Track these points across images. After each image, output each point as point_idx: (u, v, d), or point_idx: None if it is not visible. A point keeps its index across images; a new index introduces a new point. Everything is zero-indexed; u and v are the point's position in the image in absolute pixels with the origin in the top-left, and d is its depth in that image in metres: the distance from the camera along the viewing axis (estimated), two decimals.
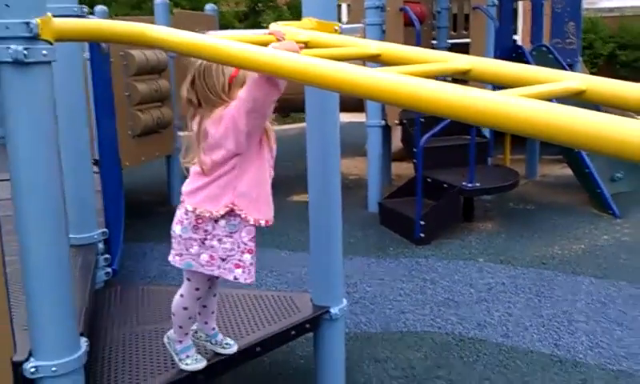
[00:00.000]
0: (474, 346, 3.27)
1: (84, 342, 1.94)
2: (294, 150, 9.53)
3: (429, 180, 5.15)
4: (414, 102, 1.30)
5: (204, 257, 2.12)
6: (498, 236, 5.04)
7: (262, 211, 2.14)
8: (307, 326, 2.66)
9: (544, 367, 3.02)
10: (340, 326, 2.79)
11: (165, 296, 2.93)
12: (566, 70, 6.56)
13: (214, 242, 2.11)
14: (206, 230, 2.11)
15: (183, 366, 2.24)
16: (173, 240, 2.17)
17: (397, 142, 7.31)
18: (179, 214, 2.16)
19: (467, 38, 9.47)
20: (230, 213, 2.09)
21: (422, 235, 4.79)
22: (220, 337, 2.39)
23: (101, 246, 3.08)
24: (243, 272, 2.16)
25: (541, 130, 1.16)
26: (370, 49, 2.04)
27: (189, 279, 2.23)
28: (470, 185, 5.04)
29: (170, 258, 2.19)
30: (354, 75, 1.42)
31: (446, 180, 5.14)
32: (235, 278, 2.16)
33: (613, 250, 4.64)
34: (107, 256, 3.13)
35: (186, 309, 2.25)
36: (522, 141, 7.26)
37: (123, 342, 2.44)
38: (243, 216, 2.09)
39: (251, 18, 14.34)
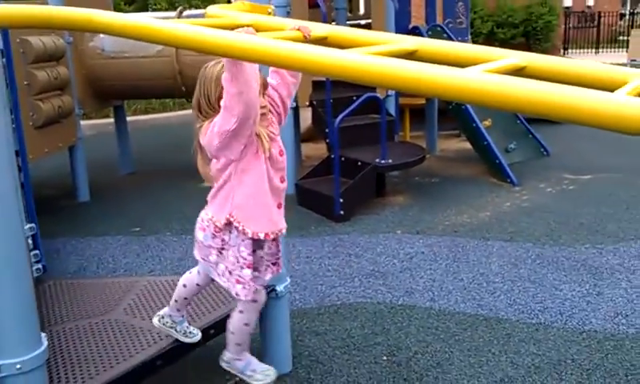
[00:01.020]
0: (405, 311, 3.46)
1: (44, 338, 1.89)
2: None
3: (343, 159, 5.30)
4: (396, 82, 1.37)
5: (221, 267, 2.11)
6: (410, 208, 5.30)
7: (261, 224, 2.07)
8: None
9: (471, 325, 3.26)
10: (285, 302, 2.87)
11: (99, 289, 2.88)
12: None
13: (228, 253, 2.09)
14: (223, 239, 2.08)
15: (255, 383, 2.27)
16: (195, 242, 2.20)
17: (304, 123, 7.44)
18: (203, 218, 2.14)
19: (362, 19, 9.77)
20: (230, 224, 2.06)
21: (342, 212, 4.94)
22: (185, 324, 2.40)
23: (30, 242, 2.95)
24: (243, 288, 2.11)
25: (506, 101, 1.29)
26: (315, 32, 2.10)
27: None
28: (383, 161, 5.25)
29: (195, 254, 2.22)
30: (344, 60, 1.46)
31: (359, 158, 5.32)
32: (237, 295, 2.13)
33: (515, 215, 5.03)
34: (36, 252, 3.00)
35: (247, 325, 2.24)
36: (418, 118, 7.63)
37: (72, 337, 2.38)
38: (240, 228, 2.04)
39: (140, 1, 13.85)
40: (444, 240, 4.52)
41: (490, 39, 18.60)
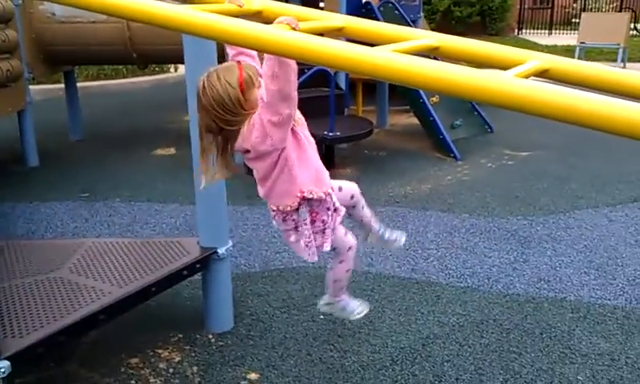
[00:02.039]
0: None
1: None
2: (151, 102, 9.39)
3: None
4: (319, 58, 1.51)
5: (301, 243, 2.21)
6: (356, 180, 5.38)
7: (325, 183, 2.19)
8: (197, 266, 2.86)
9: (404, 288, 3.48)
10: (226, 265, 3.02)
11: (45, 249, 2.97)
12: (410, 25, 7.13)
13: (304, 228, 2.18)
14: (294, 219, 2.18)
15: (356, 316, 2.56)
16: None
17: None
18: (270, 211, 2.25)
19: None
20: (302, 201, 2.13)
21: None
22: (388, 231, 2.69)
23: None
24: (328, 243, 2.25)
25: (415, 79, 1.45)
26: (252, 5, 2.21)
27: (334, 248, 2.33)
28: (331, 134, 5.40)
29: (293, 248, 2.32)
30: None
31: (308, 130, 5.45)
32: (334, 247, 2.31)
33: (455, 188, 5.27)
34: None
35: (348, 270, 2.42)
36: (372, 93, 7.80)
37: (19, 293, 2.47)
38: (316, 196, 2.14)
39: None
40: (386, 210, 4.72)
41: (446, 17, 18.89)
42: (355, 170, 5.85)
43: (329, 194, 2.20)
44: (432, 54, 1.84)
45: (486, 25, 19.85)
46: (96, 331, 2.80)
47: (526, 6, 22.79)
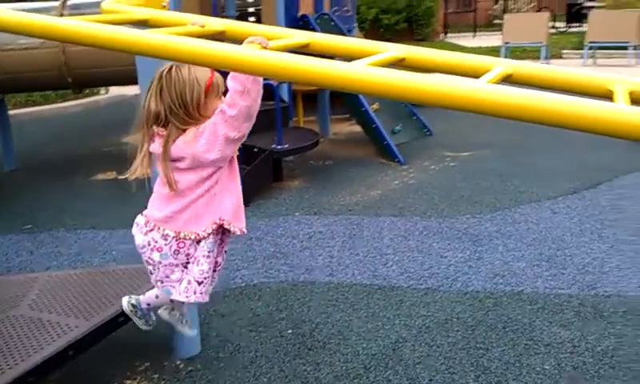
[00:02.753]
0: (307, 287, 3.66)
1: None
2: (85, 127, 9.12)
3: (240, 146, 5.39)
4: (300, 75, 1.51)
5: (184, 283, 2.01)
6: (306, 191, 5.51)
7: (242, 220, 2.05)
8: None
9: (368, 295, 3.52)
10: None
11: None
12: (345, 35, 7.23)
13: (194, 266, 2.00)
14: (187, 254, 2.00)
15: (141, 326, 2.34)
16: (150, 266, 2.06)
17: None
18: (156, 239, 1.99)
19: (252, 7, 9.82)
20: (217, 229, 1.99)
21: None
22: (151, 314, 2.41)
23: None
24: (211, 286, 2.11)
25: (388, 92, 1.48)
26: (213, 26, 2.21)
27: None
28: (279, 147, 5.41)
29: (152, 281, 2.12)
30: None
31: (255, 144, 5.44)
32: (207, 297, 2.09)
33: (403, 192, 5.37)
34: None
35: (157, 296, 2.23)
36: (312, 103, 7.86)
37: None
38: (232, 229, 1.98)
39: None
40: (340, 219, 4.77)
41: (375, 25, 19.24)
42: (303, 181, 5.87)
43: (244, 233, 2.04)
44: (399, 65, 1.88)
45: (413, 31, 20.34)
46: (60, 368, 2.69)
47: (450, 11, 23.54)
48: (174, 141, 1.92)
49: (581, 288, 3.51)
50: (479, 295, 3.48)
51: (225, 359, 2.97)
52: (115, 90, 11.62)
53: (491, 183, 5.52)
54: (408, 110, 7.22)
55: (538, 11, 19.65)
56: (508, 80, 1.77)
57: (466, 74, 1.77)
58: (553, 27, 18.27)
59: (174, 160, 1.94)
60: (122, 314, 2.54)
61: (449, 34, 22.16)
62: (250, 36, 1.98)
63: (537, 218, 4.63)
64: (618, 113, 1.26)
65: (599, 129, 1.29)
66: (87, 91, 11.19)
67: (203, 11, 5.72)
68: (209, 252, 2.00)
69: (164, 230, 1.98)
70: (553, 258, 3.93)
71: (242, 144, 5.45)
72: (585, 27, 14.76)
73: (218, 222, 1.96)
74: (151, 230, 2.00)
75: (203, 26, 1.98)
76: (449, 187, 5.47)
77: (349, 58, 1.83)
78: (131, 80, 6.79)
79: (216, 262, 2.09)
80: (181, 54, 1.61)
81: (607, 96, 1.59)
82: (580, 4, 21.79)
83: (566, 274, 3.70)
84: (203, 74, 1.95)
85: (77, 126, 9.16)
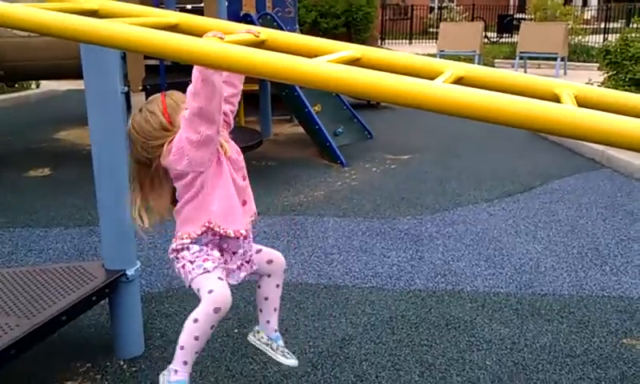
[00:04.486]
0: (252, 286, 3.57)
1: None
2: (16, 122, 8.75)
3: None
4: (262, 70, 1.50)
5: (178, 267, 2.18)
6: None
7: (236, 223, 2.11)
8: (106, 290, 2.72)
9: (313, 294, 3.53)
10: (136, 286, 2.90)
11: None
12: None
13: (184, 252, 2.14)
14: (187, 248, 2.14)
15: None
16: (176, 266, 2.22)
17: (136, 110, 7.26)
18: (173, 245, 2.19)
19: (191, 3, 9.69)
20: (207, 231, 2.08)
21: None
22: (282, 342, 2.42)
23: None
24: (226, 277, 2.21)
25: (349, 88, 1.50)
26: (169, 18, 2.17)
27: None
28: None
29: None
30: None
31: None
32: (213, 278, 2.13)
33: (346, 194, 5.43)
34: None
35: (197, 338, 2.09)
36: (253, 104, 7.82)
37: None
38: (222, 232, 2.08)
39: None
40: (284, 219, 4.76)
41: (314, 28, 19.34)
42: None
43: (242, 236, 2.13)
44: (355, 64, 1.91)
45: (352, 35, 20.58)
46: None
47: (387, 18, 23.97)
48: (160, 164, 2.06)
49: (518, 287, 3.65)
50: (422, 294, 3.56)
51: (169, 358, 2.86)
52: (46, 85, 11.21)
53: (430, 186, 5.65)
54: (349, 112, 7.30)
55: (472, 21, 20.27)
56: (460, 82, 1.83)
57: (419, 75, 1.81)
58: (485, 37, 18.91)
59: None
60: (65, 312, 2.46)
61: (386, 41, 22.57)
62: (203, 30, 1.97)
63: (474, 220, 4.78)
64: (570, 113, 1.33)
65: (553, 128, 1.35)
66: (17, 86, 10.76)
67: (144, 4, 5.60)
68: (199, 250, 2.11)
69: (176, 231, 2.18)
70: (491, 257, 4.07)
71: None
72: (515, 38, 15.33)
73: (207, 224, 2.07)
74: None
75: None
76: (390, 189, 5.56)
77: (305, 56, 1.84)
78: (66, 74, 6.57)
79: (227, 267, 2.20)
80: (138, 44, 1.58)
81: (553, 99, 1.67)
82: (511, 16, 22.63)
83: (504, 273, 3.83)
84: (153, 104, 2.07)
85: (7, 122, 8.77)
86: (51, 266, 2.90)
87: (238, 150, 2.22)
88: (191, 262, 2.12)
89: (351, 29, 20.65)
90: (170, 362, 2.82)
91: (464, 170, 6.17)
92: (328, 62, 1.58)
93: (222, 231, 2.08)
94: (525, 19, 17.25)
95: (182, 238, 2.13)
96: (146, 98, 6.18)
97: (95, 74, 2.66)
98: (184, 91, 5.52)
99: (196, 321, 2.06)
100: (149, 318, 3.26)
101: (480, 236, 4.45)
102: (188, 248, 2.13)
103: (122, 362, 2.87)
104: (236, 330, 3.15)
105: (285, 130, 8.14)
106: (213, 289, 2.05)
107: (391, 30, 23.36)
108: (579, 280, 3.73)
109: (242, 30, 1.97)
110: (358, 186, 5.66)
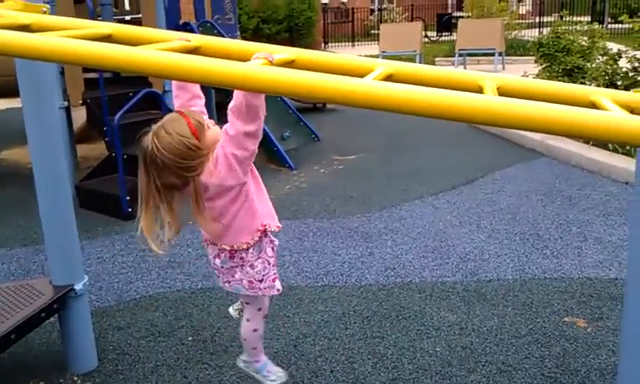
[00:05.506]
0: (205, 294, 3.64)
1: None
2: None
3: (125, 156, 5.26)
4: (201, 76, 1.53)
5: (245, 282, 2.17)
6: None
7: (275, 218, 2.21)
8: (55, 306, 2.69)
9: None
10: (85, 301, 2.89)
11: None
12: None
13: (248, 268, 2.15)
14: (242, 258, 2.16)
15: (270, 382, 2.42)
16: (216, 271, 2.29)
17: (77, 124, 7.14)
18: (214, 249, 2.20)
19: (128, 15, 9.60)
20: (262, 234, 2.15)
21: (130, 210, 4.93)
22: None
23: None
24: (279, 281, 2.25)
25: (281, 89, 1.55)
26: (102, 29, 2.17)
27: (248, 303, 2.34)
28: None
29: (221, 284, 2.31)
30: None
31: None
32: (278, 290, 2.23)
33: (296, 196, 5.48)
34: None
35: (256, 330, 2.35)
36: None
37: None
38: (273, 230, 2.16)
39: None
40: None
41: (256, 35, 19.33)
42: None
43: (279, 227, 2.24)
44: (290, 66, 1.96)
45: (295, 40, 20.66)
46: None
47: (329, 21, 24.17)
48: (199, 183, 2.00)
49: (464, 275, 3.77)
50: (372, 288, 3.64)
51: (124, 371, 2.90)
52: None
53: (377, 183, 5.76)
54: (295, 116, 7.36)
55: (412, 21, 20.65)
56: (390, 79, 1.90)
57: (352, 73, 1.88)
58: (425, 36, 19.30)
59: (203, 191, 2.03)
60: (13, 330, 2.43)
61: (329, 44, 22.76)
62: (137, 39, 2.00)
63: (421, 214, 4.90)
64: (488, 102, 1.41)
65: (472, 117, 1.43)
66: None
67: (79, 16, 5.52)
68: (258, 254, 2.17)
69: (221, 245, 2.16)
70: (437, 249, 4.18)
71: (127, 154, 5.34)
72: (455, 36, 15.71)
73: (261, 228, 2.14)
74: (211, 244, 2.21)
75: (189, 41, 1.96)
76: (339, 189, 5.65)
77: (240, 60, 1.89)
78: (4, 93, 6.37)
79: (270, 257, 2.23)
80: (71, 56, 1.57)
81: (478, 90, 1.76)
82: (449, 14, 23.17)
83: (450, 262, 3.95)
84: (182, 127, 1.97)
85: None
86: None
87: None
88: (260, 281, 2.20)
89: (294, 34, 20.75)
90: (122, 373, 2.82)
91: (410, 166, 6.31)
92: (261, 66, 1.64)
93: (274, 228, 2.19)
94: (462, 17, 17.68)
95: (241, 250, 2.16)
96: (87, 112, 6.14)
97: (31, 89, 2.63)
98: (124, 102, 5.41)
99: (248, 320, 2.37)
100: (101, 332, 3.23)
101: (426, 229, 4.57)
102: (252, 265, 2.18)
103: (75, 378, 2.85)
104: (190, 338, 3.16)
105: None
106: (262, 308, 2.36)
107: (333, 33, 23.56)
108: (522, 264, 3.88)
109: (176, 39, 2.00)
110: (307, 188, 5.72)
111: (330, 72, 2.02)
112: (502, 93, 1.74)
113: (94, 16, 5.75)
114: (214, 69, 1.54)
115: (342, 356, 2.95)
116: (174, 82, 2.20)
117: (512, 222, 4.64)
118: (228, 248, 2.15)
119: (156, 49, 1.69)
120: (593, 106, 1.84)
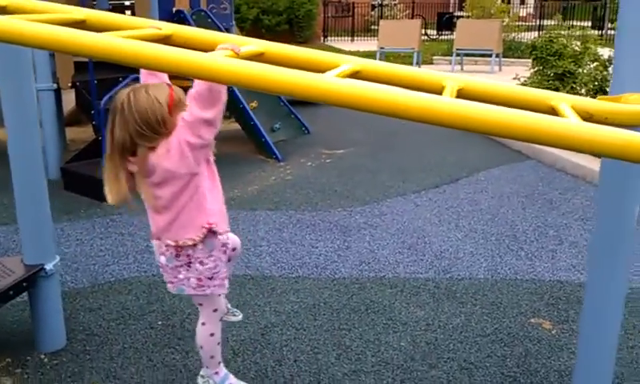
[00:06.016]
0: None
1: None
2: None
3: None
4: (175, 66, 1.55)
5: (192, 280, 2.15)
6: None
7: (226, 221, 2.20)
8: (24, 284, 2.73)
9: (241, 285, 3.60)
10: (55, 280, 2.92)
11: None
12: (223, 32, 7.27)
13: (197, 265, 2.13)
14: (188, 255, 2.13)
15: None
16: (161, 269, 2.23)
17: (67, 107, 7.15)
18: (160, 245, 2.17)
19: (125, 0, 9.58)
20: (208, 232, 2.10)
21: None
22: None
23: None
24: (227, 281, 2.26)
25: (248, 83, 1.58)
26: (75, 14, 2.20)
27: (201, 304, 2.29)
28: None
29: (168, 287, 2.25)
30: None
31: None
32: (224, 294, 2.28)
33: (280, 188, 5.51)
34: None
35: (212, 334, 2.32)
36: None
37: None
38: (219, 231, 2.13)
39: None
40: None
41: (256, 25, 19.32)
42: None
43: (227, 232, 2.23)
44: (259, 59, 1.98)
45: (294, 33, 20.66)
46: None
47: (329, 15, 24.14)
48: (147, 159, 1.99)
49: (437, 272, 3.81)
50: (345, 281, 3.68)
51: (92, 352, 2.94)
52: None
53: (362, 179, 5.79)
54: (286, 108, 7.38)
55: (412, 19, 20.65)
56: (356, 76, 1.93)
57: (319, 69, 1.91)
58: (425, 34, 19.31)
59: (148, 176, 2.01)
60: None
61: (328, 38, 22.74)
62: (110, 25, 2.02)
63: (402, 210, 4.94)
64: (441, 104, 1.45)
65: (425, 119, 1.47)
66: None
67: (70, 2, 5.51)
68: (211, 251, 2.15)
69: (165, 240, 2.13)
70: (413, 245, 4.22)
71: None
72: (454, 35, 15.70)
73: (206, 226, 2.10)
74: (157, 239, 2.18)
75: (160, 29, 1.96)
76: (324, 183, 5.68)
77: (210, 50, 1.91)
78: None
79: (219, 259, 2.21)
80: (32, 39, 1.62)
81: (439, 92, 1.80)
82: (450, 13, 23.15)
83: (425, 259, 3.99)
84: (162, 93, 1.99)
85: None
86: None
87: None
88: (209, 279, 2.19)
89: (294, 26, 20.74)
90: (90, 354, 2.86)
91: (395, 163, 6.35)
92: (227, 57, 1.67)
93: (219, 231, 2.14)
94: (463, 16, 17.67)
95: (187, 247, 2.12)
96: (76, 95, 6.14)
97: (7, 70, 2.66)
98: (113, 87, 5.42)
99: (204, 324, 2.34)
100: (72, 313, 3.27)
101: (405, 225, 4.61)
102: (202, 262, 2.15)
103: (42, 356, 2.88)
104: (160, 323, 3.19)
105: (224, 126, 8.13)
106: (217, 308, 2.34)
107: (333, 27, 23.53)
108: (495, 265, 3.93)
109: (148, 27, 2.03)
110: (292, 181, 5.75)
111: (298, 66, 2.06)
112: (463, 95, 1.77)
113: (86, 2, 5.73)
114: (176, 58, 1.57)
115: (308, 346, 2.99)
116: (142, 69, 2.21)
117: (490, 222, 4.68)
118: (173, 244, 2.12)
119: (124, 36, 1.72)
120: (552, 111, 1.88)
